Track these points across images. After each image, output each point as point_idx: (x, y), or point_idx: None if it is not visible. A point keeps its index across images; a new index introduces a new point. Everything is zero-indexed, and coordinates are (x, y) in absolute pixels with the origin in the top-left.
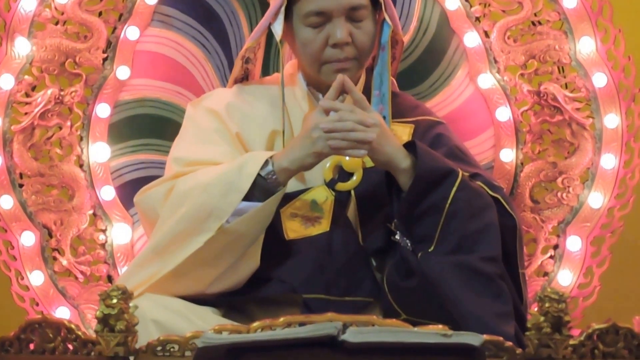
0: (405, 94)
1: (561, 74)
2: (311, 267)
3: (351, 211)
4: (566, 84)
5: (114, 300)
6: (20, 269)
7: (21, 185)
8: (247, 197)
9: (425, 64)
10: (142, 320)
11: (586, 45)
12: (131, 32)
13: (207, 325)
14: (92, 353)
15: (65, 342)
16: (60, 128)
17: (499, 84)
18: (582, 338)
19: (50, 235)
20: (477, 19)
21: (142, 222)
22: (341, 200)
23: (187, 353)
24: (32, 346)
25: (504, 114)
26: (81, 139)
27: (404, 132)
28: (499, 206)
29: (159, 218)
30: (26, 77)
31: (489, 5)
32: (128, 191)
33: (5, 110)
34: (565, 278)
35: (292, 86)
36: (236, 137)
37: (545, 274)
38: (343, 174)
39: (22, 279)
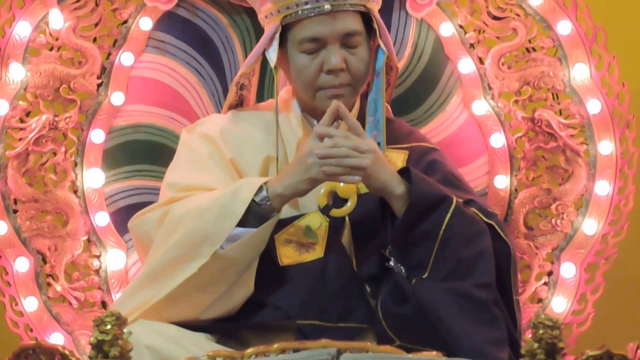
0: (399, 120)
1: (555, 100)
2: (305, 293)
3: (345, 237)
4: (560, 111)
5: (108, 326)
6: (14, 294)
7: (15, 211)
8: (242, 223)
9: (419, 90)
10: (136, 346)
11: (580, 72)
12: (125, 58)
13: (201, 351)
14: None
15: None
16: (55, 154)
17: (494, 110)
18: None
19: (45, 261)
20: (472, 45)
21: (136, 248)
22: (335, 226)
23: None
24: None
25: (498, 140)
26: (75, 164)
27: (398, 158)
28: (493, 232)
29: (153, 243)
30: (20, 102)
31: (484, 31)
32: (122, 217)
33: (0, 136)
34: (559, 304)
35: (286, 112)
36: (230, 162)
37: (540, 300)
38: (337, 200)
39: (16, 304)
